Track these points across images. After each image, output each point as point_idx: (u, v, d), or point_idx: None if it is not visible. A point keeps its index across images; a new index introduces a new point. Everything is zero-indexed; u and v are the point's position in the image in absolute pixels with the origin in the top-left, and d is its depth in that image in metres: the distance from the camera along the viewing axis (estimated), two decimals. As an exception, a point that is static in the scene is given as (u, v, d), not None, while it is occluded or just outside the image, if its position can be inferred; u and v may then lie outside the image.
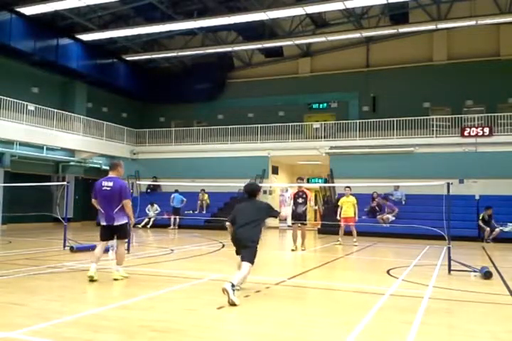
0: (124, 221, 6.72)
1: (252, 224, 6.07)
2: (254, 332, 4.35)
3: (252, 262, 5.87)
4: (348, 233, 14.02)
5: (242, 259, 5.93)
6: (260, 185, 7.37)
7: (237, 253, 6.13)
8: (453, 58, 22.82)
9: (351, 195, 13.95)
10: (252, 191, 6.50)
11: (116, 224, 6.64)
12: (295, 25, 21.99)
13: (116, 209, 6.64)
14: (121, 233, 6.80)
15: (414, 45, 23.29)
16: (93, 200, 6.87)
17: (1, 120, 17.82)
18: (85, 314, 4.75)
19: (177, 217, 20.47)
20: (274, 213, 6.48)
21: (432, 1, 20.32)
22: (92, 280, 6.50)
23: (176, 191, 21.19)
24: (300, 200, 11.90)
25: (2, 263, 8.43)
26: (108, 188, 6.68)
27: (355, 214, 13.80)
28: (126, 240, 7.01)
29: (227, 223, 6.29)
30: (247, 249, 5.91)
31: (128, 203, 6.73)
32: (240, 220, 6.09)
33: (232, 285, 5.43)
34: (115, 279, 6.71)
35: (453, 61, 22.75)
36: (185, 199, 20.86)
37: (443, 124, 20.78)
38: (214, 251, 11.50)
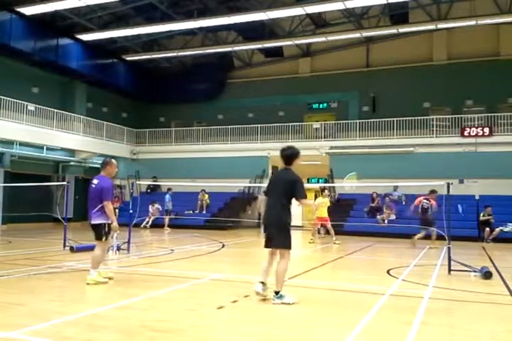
0: (100, 221, 6.39)
1: (278, 203, 5.20)
2: (254, 332, 4.35)
3: (287, 247, 5.17)
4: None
5: (273, 246, 5.33)
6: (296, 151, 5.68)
7: (266, 244, 5.29)
8: (453, 58, 22.80)
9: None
10: (287, 156, 5.33)
11: (92, 222, 6.43)
12: (295, 25, 21.97)
13: (95, 209, 6.39)
14: (96, 233, 6.46)
15: (414, 45, 23.26)
16: None
17: (1, 120, 17.81)
18: (85, 314, 4.75)
19: (167, 217, 19.66)
20: (298, 194, 5.19)
21: (432, 1, 20.30)
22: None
23: (169, 190, 20.22)
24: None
25: (2, 263, 8.42)
26: (93, 186, 6.52)
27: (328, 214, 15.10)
28: (103, 242, 6.50)
29: (261, 196, 5.33)
30: (279, 232, 5.22)
31: (108, 204, 6.40)
32: (271, 196, 5.21)
33: (263, 283, 5.41)
34: (87, 283, 6.30)
35: (453, 61, 22.74)
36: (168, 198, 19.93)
37: (443, 124, 20.77)
38: (214, 251, 11.49)
